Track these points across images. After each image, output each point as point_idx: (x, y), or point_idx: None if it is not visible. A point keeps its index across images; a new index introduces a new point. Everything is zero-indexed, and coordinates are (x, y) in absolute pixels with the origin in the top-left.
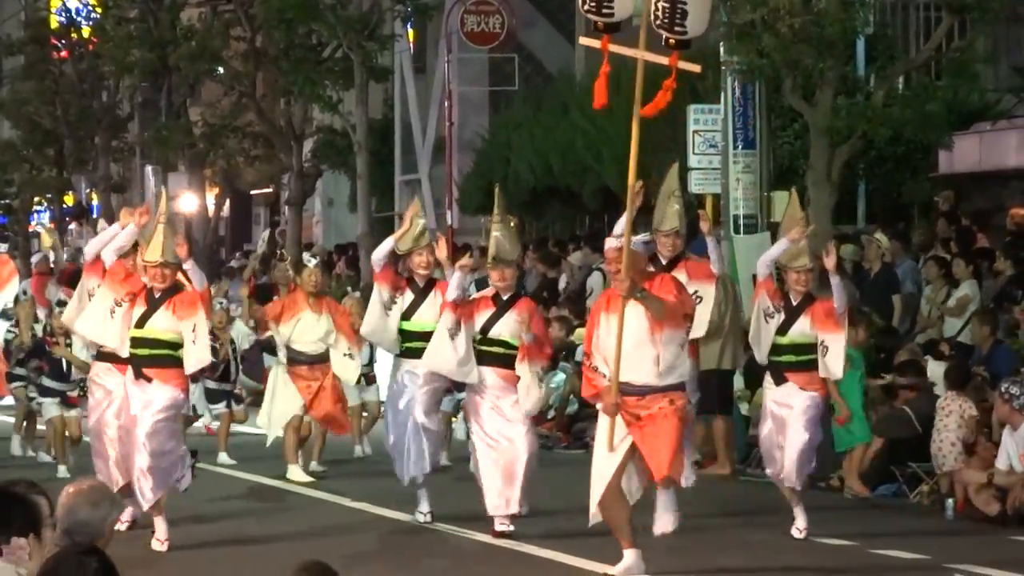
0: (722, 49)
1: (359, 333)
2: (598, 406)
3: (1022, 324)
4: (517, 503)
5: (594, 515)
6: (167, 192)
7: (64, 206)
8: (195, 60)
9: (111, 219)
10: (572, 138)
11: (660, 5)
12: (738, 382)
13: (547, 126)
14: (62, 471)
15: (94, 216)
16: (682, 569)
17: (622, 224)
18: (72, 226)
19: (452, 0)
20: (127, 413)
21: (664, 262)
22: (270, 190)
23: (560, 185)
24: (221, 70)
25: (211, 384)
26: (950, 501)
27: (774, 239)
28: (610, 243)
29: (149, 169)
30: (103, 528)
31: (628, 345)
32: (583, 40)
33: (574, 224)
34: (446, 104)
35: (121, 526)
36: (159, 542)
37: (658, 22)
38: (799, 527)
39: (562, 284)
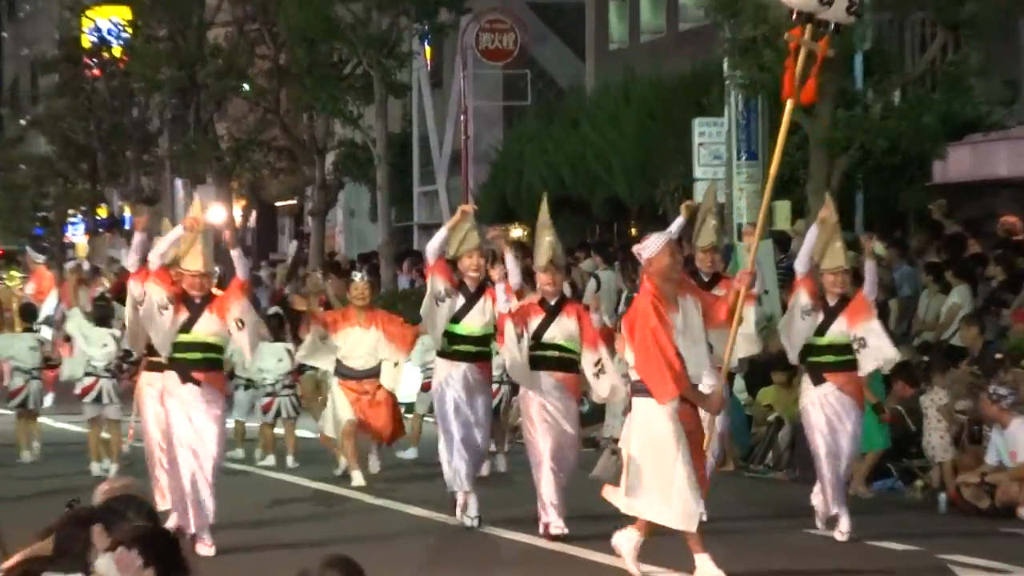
0: (725, 64)
1: (410, 341)
2: (645, 411)
3: (1012, 327)
4: (561, 507)
5: (695, 523)
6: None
7: (97, 218)
8: (222, 77)
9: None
10: (582, 150)
11: None
12: (737, 382)
13: (558, 139)
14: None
15: (125, 227)
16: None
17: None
18: (105, 236)
19: (467, 18)
20: (182, 421)
21: (706, 279)
22: (294, 202)
23: (571, 195)
24: (247, 87)
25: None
26: (943, 496)
27: (776, 246)
28: (663, 239)
29: (179, 182)
30: None
31: (688, 344)
32: (788, 35)
33: (584, 232)
34: (462, 118)
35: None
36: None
37: (854, 8)
38: (842, 529)
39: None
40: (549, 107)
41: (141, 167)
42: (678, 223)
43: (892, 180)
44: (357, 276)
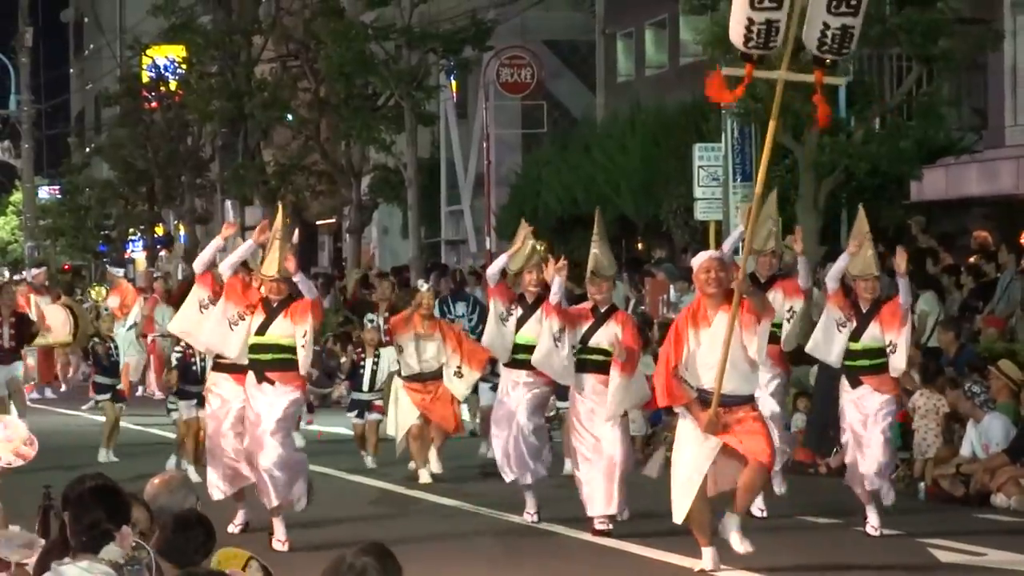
0: None
1: (484, 361)
2: (678, 411)
3: (983, 331)
4: (616, 504)
5: (681, 517)
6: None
7: (155, 236)
8: (267, 109)
9: (195, 247)
10: (593, 173)
11: (831, 33)
12: None
13: (571, 163)
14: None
15: (182, 243)
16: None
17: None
18: (162, 253)
19: (489, 55)
20: (251, 414)
21: (762, 280)
22: (333, 220)
23: (583, 214)
24: (290, 117)
25: None
26: (922, 484)
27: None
28: (705, 255)
29: (228, 203)
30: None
31: (711, 355)
32: (725, 70)
33: None
34: (484, 145)
35: (234, 528)
36: (280, 543)
37: (825, 47)
38: (873, 524)
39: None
40: (563, 135)
41: (195, 190)
42: (733, 237)
43: (873, 199)
44: (423, 287)
